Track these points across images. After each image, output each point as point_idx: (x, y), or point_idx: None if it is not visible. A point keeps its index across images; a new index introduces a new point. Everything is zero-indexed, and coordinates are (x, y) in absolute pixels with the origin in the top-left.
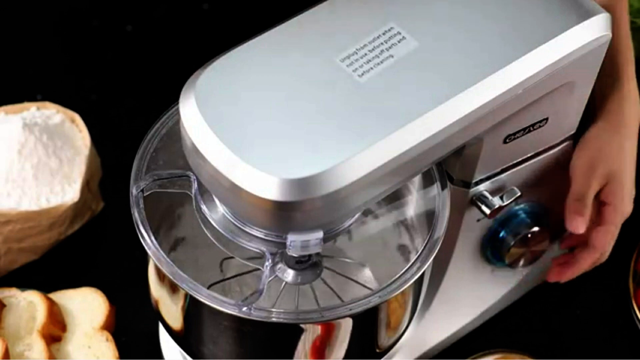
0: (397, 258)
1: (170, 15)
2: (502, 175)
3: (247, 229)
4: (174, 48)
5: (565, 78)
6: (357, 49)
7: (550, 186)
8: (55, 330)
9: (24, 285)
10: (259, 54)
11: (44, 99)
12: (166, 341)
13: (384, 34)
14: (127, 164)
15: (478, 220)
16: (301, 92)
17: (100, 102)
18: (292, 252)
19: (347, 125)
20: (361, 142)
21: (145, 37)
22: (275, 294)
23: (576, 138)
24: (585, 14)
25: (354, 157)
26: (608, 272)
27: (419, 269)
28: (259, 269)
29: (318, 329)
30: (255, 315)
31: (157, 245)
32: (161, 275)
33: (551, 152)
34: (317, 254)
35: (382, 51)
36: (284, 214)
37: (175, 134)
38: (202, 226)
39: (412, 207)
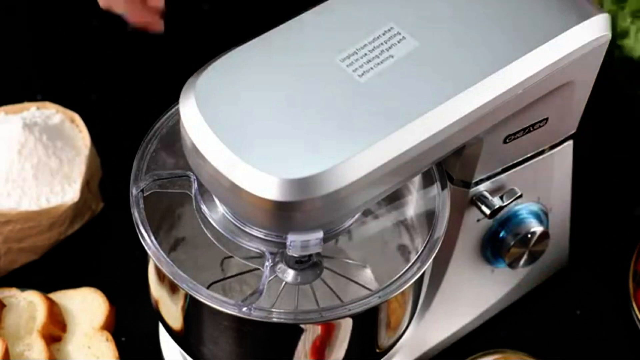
0: (397, 258)
1: (170, 15)
2: (502, 175)
3: (247, 229)
4: (174, 48)
5: (565, 78)
6: (357, 49)
7: (550, 186)
8: (55, 330)
9: (24, 285)
10: (259, 54)
11: (44, 99)
12: (166, 341)
13: (384, 34)
14: (127, 164)
15: (478, 220)
16: (301, 92)
17: (100, 102)
18: (292, 252)
19: (347, 125)
20: (361, 142)
21: (145, 37)
22: (275, 294)
23: (576, 138)
24: (585, 14)
25: (354, 157)
26: (608, 272)
27: (419, 269)
28: (259, 269)
29: (318, 329)
30: (255, 315)
31: (157, 246)
32: (161, 275)
33: (551, 152)
34: (317, 254)
35: (382, 51)
36: (284, 214)
37: (175, 134)
38: (202, 226)
39: (412, 207)
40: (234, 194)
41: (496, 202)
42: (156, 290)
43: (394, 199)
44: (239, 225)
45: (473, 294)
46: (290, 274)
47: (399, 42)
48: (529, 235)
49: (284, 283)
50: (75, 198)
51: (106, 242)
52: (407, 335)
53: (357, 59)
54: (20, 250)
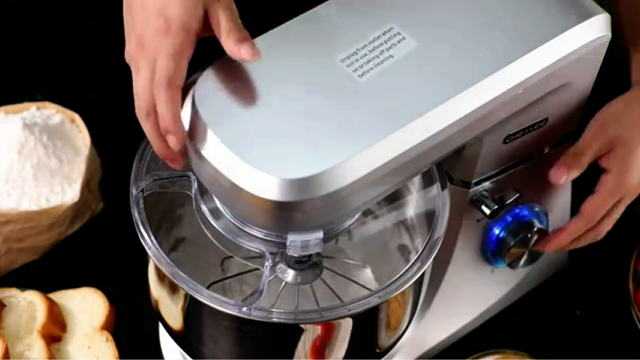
0: (397, 258)
1: None
2: (502, 175)
3: (247, 229)
4: None
5: (565, 78)
6: (357, 49)
7: (550, 186)
8: (55, 330)
9: (24, 285)
10: None
11: (44, 99)
12: (166, 341)
13: (383, 34)
14: (127, 164)
15: (478, 221)
16: (301, 93)
17: (100, 102)
18: (292, 252)
19: (347, 125)
20: (361, 142)
21: None
22: (275, 294)
23: (576, 138)
24: (585, 14)
25: (354, 157)
26: (608, 272)
27: (419, 269)
28: (259, 269)
29: (318, 329)
30: (255, 315)
31: (157, 246)
32: (161, 275)
33: (551, 152)
34: (318, 254)
35: (382, 51)
36: (284, 214)
37: None
38: (202, 226)
39: (412, 207)
40: (234, 194)
41: (496, 202)
42: (156, 290)
43: (394, 199)
44: (239, 226)
45: (473, 294)
46: (290, 274)
47: (399, 42)
48: (529, 235)
49: (284, 283)
50: (75, 198)
51: (106, 242)
52: (407, 335)
53: (357, 59)
54: (20, 250)
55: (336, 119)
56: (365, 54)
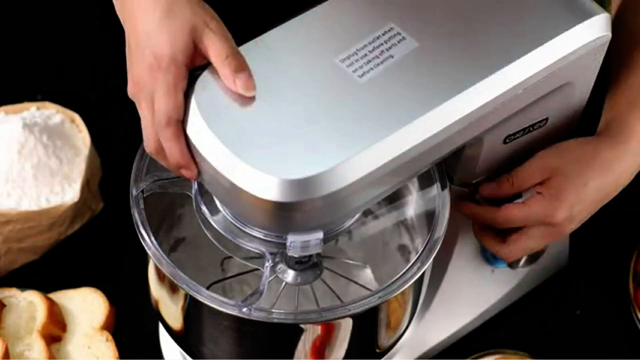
0: (397, 258)
1: None
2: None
3: (247, 230)
4: None
5: (565, 78)
6: (357, 50)
7: None
8: (55, 330)
9: (24, 285)
10: (258, 54)
11: (44, 99)
12: (166, 341)
13: (384, 34)
14: (127, 164)
15: None
16: (301, 93)
17: (100, 102)
18: (292, 253)
19: (347, 125)
20: (361, 142)
21: None
22: (275, 294)
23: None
24: (585, 14)
25: (354, 158)
26: (608, 272)
27: (419, 269)
28: (259, 269)
29: (318, 329)
30: (256, 315)
31: (157, 246)
32: (161, 275)
33: None
34: (318, 254)
35: (382, 51)
36: (284, 215)
37: None
38: (202, 227)
39: (412, 207)
40: (234, 195)
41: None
42: (156, 290)
43: (394, 199)
44: (239, 226)
45: (473, 294)
46: (290, 275)
47: (399, 42)
48: None
49: (284, 283)
50: (75, 198)
51: (106, 242)
52: (407, 335)
53: (357, 60)
54: (20, 250)
55: (336, 119)
56: (365, 54)
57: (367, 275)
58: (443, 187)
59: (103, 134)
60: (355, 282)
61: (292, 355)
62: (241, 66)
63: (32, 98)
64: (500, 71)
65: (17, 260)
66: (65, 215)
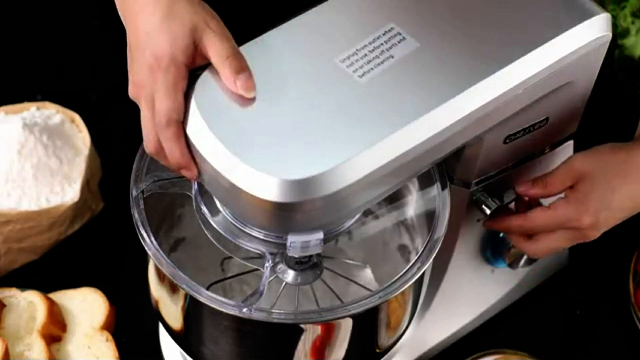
0: (397, 258)
1: None
2: (502, 175)
3: (248, 230)
4: None
5: (565, 78)
6: (357, 50)
7: None
8: (55, 330)
9: (24, 285)
10: (258, 54)
11: (44, 99)
12: (166, 341)
13: (384, 34)
14: (127, 164)
15: (478, 220)
16: (301, 93)
17: (100, 102)
18: (293, 253)
19: (347, 126)
20: (361, 142)
21: None
22: (275, 294)
23: (576, 138)
24: (585, 14)
25: (354, 158)
26: (608, 272)
27: (419, 269)
28: (259, 269)
29: (318, 329)
30: (256, 315)
31: (157, 246)
32: (161, 275)
33: (551, 152)
34: (318, 254)
35: (382, 51)
36: (284, 215)
37: None
38: (202, 227)
39: (413, 207)
40: (233, 195)
41: (496, 202)
42: (156, 290)
43: (394, 199)
44: (239, 226)
45: (473, 294)
46: (290, 275)
47: (399, 42)
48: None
49: (284, 283)
50: (75, 198)
51: (106, 242)
52: (407, 335)
53: (357, 60)
54: (20, 250)
55: (336, 119)
56: (366, 54)
57: (367, 275)
58: (443, 187)
59: (103, 134)
60: (356, 282)
61: (292, 355)
62: (241, 67)
63: (32, 98)
64: (500, 71)
65: (17, 260)
66: (65, 215)
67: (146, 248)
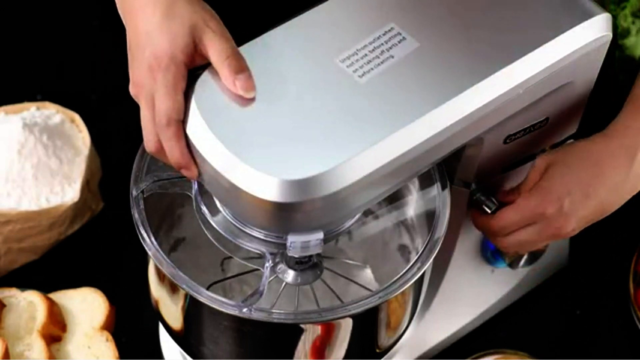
0: (397, 258)
1: None
2: (502, 175)
3: (248, 230)
4: None
5: (565, 78)
6: (357, 50)
7: None
8: (55, 330)
9: (24, 285)
10: (258, 55)
11: (44, 99)
12: (166, 341)
13: (384, 34)
14: (127, 164)
15: None
16: (301, 93)
17: (100, 102)
18: (293, 253)
19: (347, 126)
20: (361, 143)
21: None
22: (275, 294)
23: (576, 138)
24: (585, 14)
25: (354, 158)
26: (608, 272)
27: (419, 269)
28: (259, 269)
29: (318, 329)
30: (256, 315)
31: (157, 246)
32: (161, 275)
33: None
34: (318, 254)
35: (382, 51)
36: (284, 215)
37: None
38: (202, 227)
39: (413, 207)
40: (233, 195)
41: (496, 202)
42: (156, 290)
43: (394, 199)
44: (239, 226)
45: (473, 294)
46: (290, 275)
47: (399, 42)
48: None
49: (284, 283)
50: (75, 198)
51: (106, 242)
52: (407, 335)
53: (357, 60)
54: (20, 250)
55: (336, 119)
56: (366, 54)
57: (367, 275)
58: (443, 187)
59: (103, 134)
60: (356, 282)
61: (292, 355)
62: (241, 67)
63: (32, 98)
64: (500, 71)
65: (17, 260)
66: (65, 215)
67: (146, 248)
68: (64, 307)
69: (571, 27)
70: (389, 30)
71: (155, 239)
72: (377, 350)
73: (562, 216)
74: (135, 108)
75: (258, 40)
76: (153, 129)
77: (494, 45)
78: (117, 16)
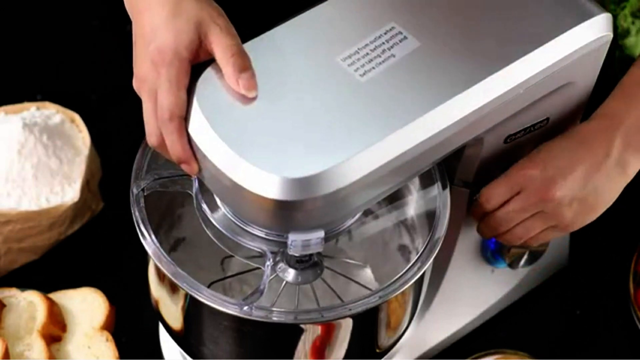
0: (397, 258)
1: None
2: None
3: (248, 228)
4: None
5: (566, 78)
6: (358, 49)
7: None
8: (55, 330)
9: (24, 285)
10: (260, 53)
11: (44, 99)
12: (166, 341)
13: (385, 33)
14: (127, 164)
15: None
16: (303, 92)
17: (100, 102)
18: (293, 252)
19: (349, 124)
20: (362, 141)
21: None
22: (275, 293)
23: None
24: (585, 14)
25: (355, 157)
26: (608, 272)
27: (419, 269)
28: (259, 268)
29: (318, 329)
30: (256, 314)
31: (158, 245)
32: (161, 275)
33: None
34: (318, 253)
35: (383, 51)
36: (285, 213)
37: None
38: (203, 225)
39: (413, 207)
40: (235, 193)
41: None
42: (156, 290)
43: (395, 199)
44: (240, 225)
45: (473, 294)
46: (290, 274)
47: (400, 41)
48: None
49: (284, 282)
50: (75, 198)
51: (106, 242)
52: (407, 335)
53: (358, 59)
54: (20, 250)
55: (337, 118)
56: (367, 53)
57: (367, 275)
58: (443, 187)
59: (103, 134)
60: (356, 282)
61: (292, 355)
62: (245, 66)
63: (32, 98)
64: (501, 71)
65: (17, 260)
66: (65, 215)
67: (146, 246)
68: (64, 307)
69: (571, 27)
70: (390, 30)
71: (156, 238)
72: (377, 350)
73: (548, 178)
74: (135, 108)
75: (260, 38)
76: (155, 123)
77: (495, 44)
78: (117, 16)
